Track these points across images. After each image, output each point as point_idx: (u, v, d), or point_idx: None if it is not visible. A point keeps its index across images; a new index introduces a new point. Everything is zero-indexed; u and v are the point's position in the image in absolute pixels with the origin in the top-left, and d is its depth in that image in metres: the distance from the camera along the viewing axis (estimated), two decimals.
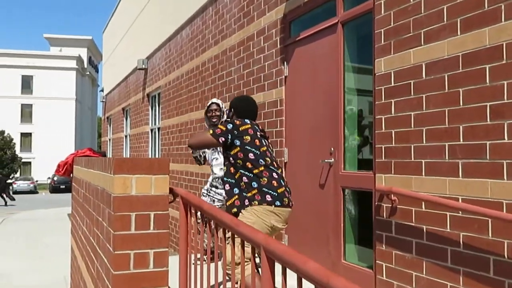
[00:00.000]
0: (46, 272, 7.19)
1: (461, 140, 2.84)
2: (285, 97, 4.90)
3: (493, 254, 2.65)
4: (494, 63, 2.66)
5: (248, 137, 3.09)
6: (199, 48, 7.48)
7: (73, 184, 5.05)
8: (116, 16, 15.52)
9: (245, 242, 1.93)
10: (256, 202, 2.98)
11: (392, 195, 3.32)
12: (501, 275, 2.60)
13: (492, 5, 2.69)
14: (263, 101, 5.23)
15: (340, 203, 4.05)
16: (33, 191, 39.32)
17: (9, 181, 33.69)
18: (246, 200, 3.02)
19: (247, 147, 3.07)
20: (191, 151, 4.86)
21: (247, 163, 3.05)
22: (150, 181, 2.45)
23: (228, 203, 3.16)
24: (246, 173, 3.05)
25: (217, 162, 4.49)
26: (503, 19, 2.63)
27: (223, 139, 3.09)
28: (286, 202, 3.06)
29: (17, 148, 47.66)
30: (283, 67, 4.93)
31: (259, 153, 3.08)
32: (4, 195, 24.78)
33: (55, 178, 38.53)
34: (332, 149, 4.15)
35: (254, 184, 3.02)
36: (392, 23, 3.39)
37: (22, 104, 53.10)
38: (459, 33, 2.88)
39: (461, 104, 2.85)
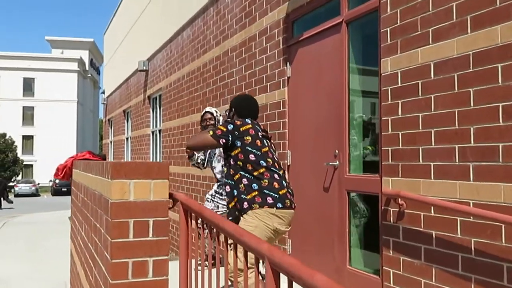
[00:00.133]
0: (46, 277, 7.08)
1: (472, 142, 2.73)
2: (288, 98, 4.80)
3: (507, 261, 2.54)
4: (507, 62, 2.56)
5: (249, 138, 3.00)
6: (200, 49, 7.39)
7: (72, 188, 4.97)
8: (117, 18, 15.47)
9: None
10: (257, 205, 2.89)
11: (400, 199, 3.22)
12: None
13: (505, 2, 2.58)
14: (266, 103, 5.13)
15: (345, 207, 3.95)
16: (35, 194, 39.30)
17: (10, 184, 33.71)
18: (245, 203, 2.93)
19: (248, 148, 2.98)
20: (187, 157, 4.78)
21: (248, 165, 2.97)
22: (149, 186, 2.35)
23: (228, 206, 3.08)
24: (246, 174, 2.97)
25: (222, 169, 4.43)
26: None
27: (224, 140, 3.00)
28: (289, 204, 2.97)
29: (19, 151, 47.74)
30: (285, 67, 4.83)
31: (260, 154, 2.99)
32: (2, 198, 24.71)
33: (57, 181, 38.48)
34: (337, 151, 4.04)
35: (255, 186, 2.93)
36: (399, 22, 3.29)
37: (23, 107, 53.16)
38: (469, 31, 2.77)
39: (471, 104, 2.74)
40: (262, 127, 3.19)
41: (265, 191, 2.92)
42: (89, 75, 60.92)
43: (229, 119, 3.29)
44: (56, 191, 38.84)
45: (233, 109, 3.30)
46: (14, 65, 52.84)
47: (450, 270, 2.85)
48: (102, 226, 2.56)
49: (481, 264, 2.67)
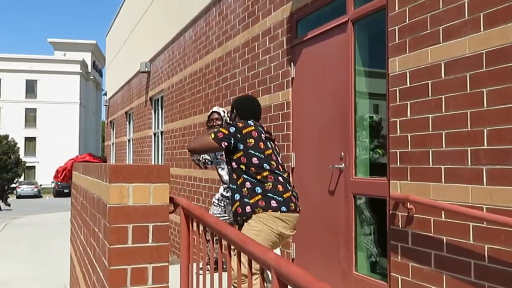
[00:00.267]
0: (46, 279, 7.01)
1: (485, 144, 2.62)
2: (292, 99, 4.70)
3: None
4: None
5: (252, 140, 2.90)
6: (203, 50, 7.30)
7: (72, 190, 4.89)
8: (119, 19, 15.41)
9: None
10: (261, 209, 2.79)
11: (409, 203, 3.11)
12: None
13: None
14: (269, 104, 5.03)
15: (351, 210, 3.84)
16: (37, 195, 39.32)
17: (12, 185, 33.65)
18: (248, 207, 2.83)
19: (251, 151, 2.88)
20: (189, 154, 4.67)
21: (251, 168, 2.87)
22: (148, 190, 2.25)
23: (232, 210, 2.99)
24: (250, 178, 2.87)
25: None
26: None
27: (226, 143, 2.90)
28: (293, 207, 2.87)
29: (21, 153, 47.77)
30: (289, 68, 4.73)
31: (263, 157, 2.89)
32: (1, 200, 24.68)
33: (59, 183, 38.46)
34: (343, 154, 3.94)
35: (258, 190, 2.83)
36: (407, 20, 3.18)
37: (26, 109, 53.24)
38: (482, 29, 2.67)
39: (485, 105, 2.64)
40: (265, 128, 3.09)
41: (269, 194, 2.82)
42: (92, 77, 60.97)
43: (231, 121, 3.20)
44: (58, 193, 38.86)
45: (235, 111, 3.20)
46: (16, 67, 52.92)
47: (461, 277, 2.74)
48: (101, 231, 2.47)
49: (495, 271, 2.56)
